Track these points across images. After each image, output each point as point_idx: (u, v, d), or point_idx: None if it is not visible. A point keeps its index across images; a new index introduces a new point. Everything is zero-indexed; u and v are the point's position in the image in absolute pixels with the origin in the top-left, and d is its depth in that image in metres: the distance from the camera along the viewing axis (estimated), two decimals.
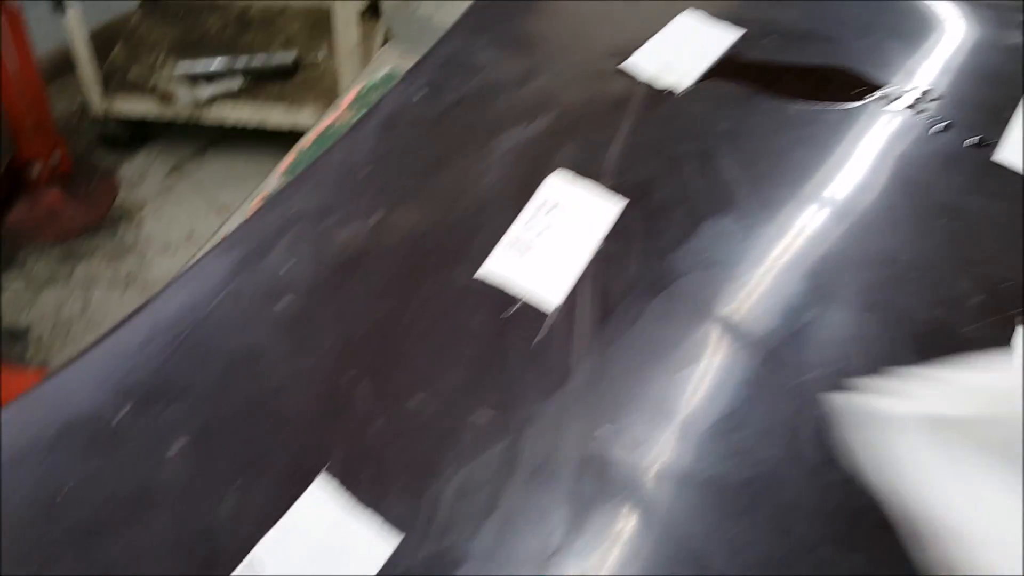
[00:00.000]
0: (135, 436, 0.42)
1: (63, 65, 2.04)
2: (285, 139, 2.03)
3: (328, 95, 1.92)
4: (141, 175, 2.01)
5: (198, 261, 0.49)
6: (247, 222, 0.52)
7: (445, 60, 0.64)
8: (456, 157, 0.56)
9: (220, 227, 0.58)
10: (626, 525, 0.40)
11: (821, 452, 0.42)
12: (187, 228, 1.88)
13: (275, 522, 0.39)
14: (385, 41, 2.11)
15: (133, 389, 0.44)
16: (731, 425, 0.43)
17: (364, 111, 0.61)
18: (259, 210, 0.53)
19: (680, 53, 0.65)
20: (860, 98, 0.62)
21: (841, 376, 0.44)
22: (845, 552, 0.39)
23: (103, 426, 0.42)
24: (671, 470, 0.42)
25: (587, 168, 0.55)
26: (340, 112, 0.64)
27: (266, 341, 0.46)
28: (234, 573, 0.38)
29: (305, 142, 0.63)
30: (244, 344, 0.46)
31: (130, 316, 0.47)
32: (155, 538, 0.39)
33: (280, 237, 0.51)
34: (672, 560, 0.39)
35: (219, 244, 0.51)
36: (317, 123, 0.61)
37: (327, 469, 0.41)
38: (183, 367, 0.45)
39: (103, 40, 1.96)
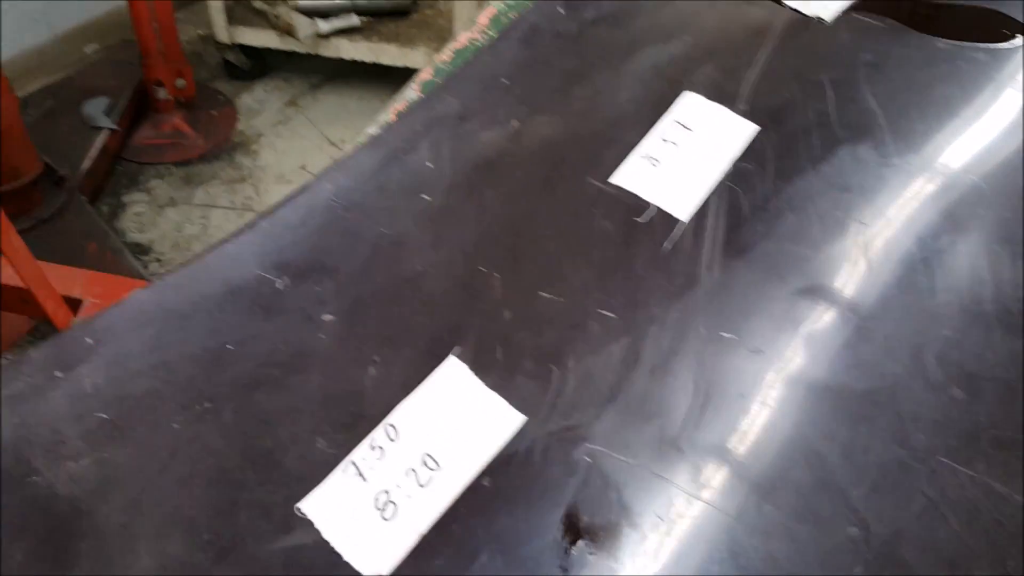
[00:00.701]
0: (291, 305, 0.46)
1: None
2: (396, 81, 2.08)
3: (441, 37, 1.95)
4: (259, 106, 2.08)
5: (350, 154, 0.53)
6: (396, 122, 0.55)
7: None
8: (593, 72, 0.58)
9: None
10: (743, 423, 0.42)
11: (944, 370, 0.43)
12: (300, 160, 1.94)
13: (412, 392, 0.42)
14: None
15: (290, 263, 0.47)
16: (855, 339, 0.44)
17: (502, 29, 0.63)
18: (406, 111, 0.55)
19: None
20: (1008, 39, 0.60)
21: (971, 301, 0.45)
22: (961, 464, 0.40)
23: (262, 294, 0.46)
24: (790, 376, 0.43)
25: (722, 90, 0.56)
26: (478, 30, 0.66)
27: (409, 230, 0.49)
28: (374, 431, 0.41)
29: (442, 57, 0.65)
30: (389, 231, 0.49)
31: (288, 198, 0.50)
32: (307, 396, 0.43)
33: (425, 137, 0.54)
34: (786, 458, 0.40)
35: (370, 140, 0.54)
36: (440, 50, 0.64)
37: (460, 349, 0.44)
38: (335, 247, 0.48)
39: None
